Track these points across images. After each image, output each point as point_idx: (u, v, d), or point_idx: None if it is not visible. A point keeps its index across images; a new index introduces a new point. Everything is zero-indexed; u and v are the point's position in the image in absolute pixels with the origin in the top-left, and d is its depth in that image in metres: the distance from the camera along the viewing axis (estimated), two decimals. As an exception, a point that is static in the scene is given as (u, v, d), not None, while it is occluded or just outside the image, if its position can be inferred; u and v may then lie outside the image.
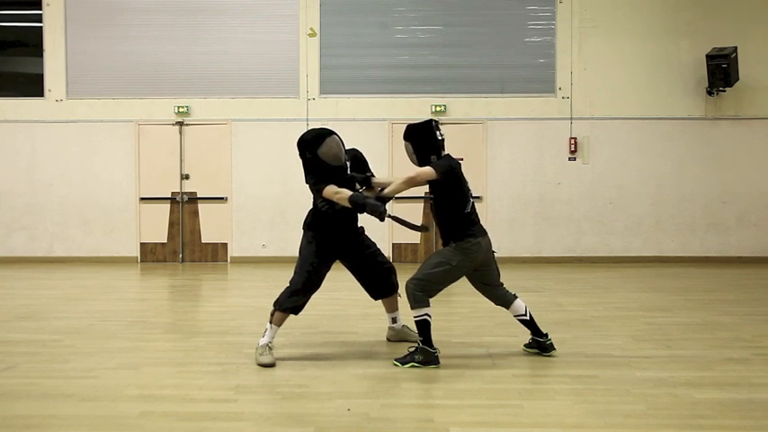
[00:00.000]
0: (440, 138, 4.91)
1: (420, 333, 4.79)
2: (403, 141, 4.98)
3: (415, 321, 4.80)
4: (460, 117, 11.03)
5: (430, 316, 4.80)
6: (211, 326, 6.28)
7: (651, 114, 11.03)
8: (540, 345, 5.07)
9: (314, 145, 4.88)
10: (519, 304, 5.05)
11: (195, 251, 11.29)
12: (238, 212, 11.24)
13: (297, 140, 4.99)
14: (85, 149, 11.27)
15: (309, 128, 5.30)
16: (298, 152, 4.98)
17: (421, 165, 4.91)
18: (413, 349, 4.84)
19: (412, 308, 4.79)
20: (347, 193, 4.76)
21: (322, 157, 4.87)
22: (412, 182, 4.81)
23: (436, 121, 4.98)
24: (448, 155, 4.94)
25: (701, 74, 10.84)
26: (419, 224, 5.13)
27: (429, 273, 4.82)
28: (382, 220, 4.78)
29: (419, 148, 4.90)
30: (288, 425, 3.70)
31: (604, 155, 10.97)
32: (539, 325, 5.09)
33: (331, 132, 4.93)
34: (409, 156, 4.99)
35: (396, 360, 4.83)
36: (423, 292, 4.79)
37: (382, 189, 4.89)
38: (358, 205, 4.72)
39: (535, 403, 4.06)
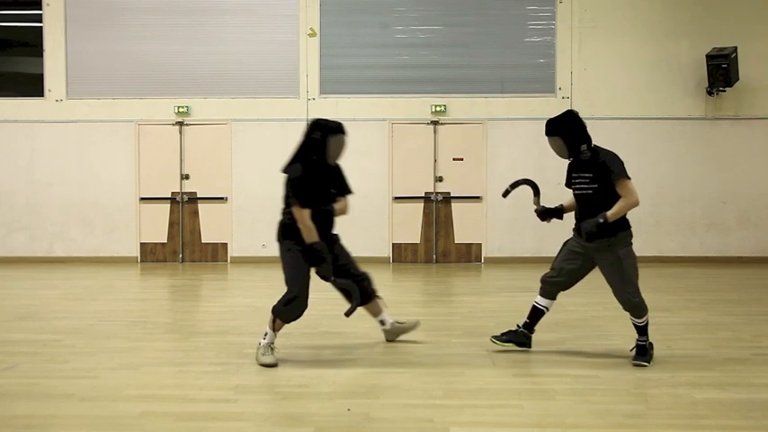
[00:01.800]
0: (585, 124, 4.86)
1: (644, 333, 4.80)
2: (547, 138, 4.86)
3: (642, 327, 4.80)
4: (460, 117, 11.04)
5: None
6: (211, 326, 6.28)
7: (651, 114, 11.03)
8: (521, 338, 5.15)
9: (330, 130, 4.89)
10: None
11: (195, 251, 11.29)
12: (238, 212, 11.23)
13: (313, 120, 4.97)
14: (85, 149, 11.26)
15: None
16: (306, 129, 4.94)
17: (571, 156, 4.84)
18: (640, 348, 4.79)
19: (639, 317, 4.77)
20: (315, 235, 4.75)
21: (329, 144, 4.86)
22: (636, 203, 4.79)
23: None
24: (596, 147, 4.87)
25: (701, 74, 10.83)
26: (355, 304, 5.02)
27: (634, 281, 4.77)
28: (326, 280, 4.82)
29: (571, 139, 4.79)
30: (288, 425, 3.70)
31: (604, 155, 10.95)
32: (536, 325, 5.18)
33: (346, 132, 4.95)
34: (558, 151, 4.87)
35: (640, 362, 4.75)
36: (641, 298, 4.77)
37: (604, 214, 4.74)
38: (313, 256, 4.74)
39: (535, 403, 4.06)
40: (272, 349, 4.87)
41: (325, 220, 4.93)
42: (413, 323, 5.49)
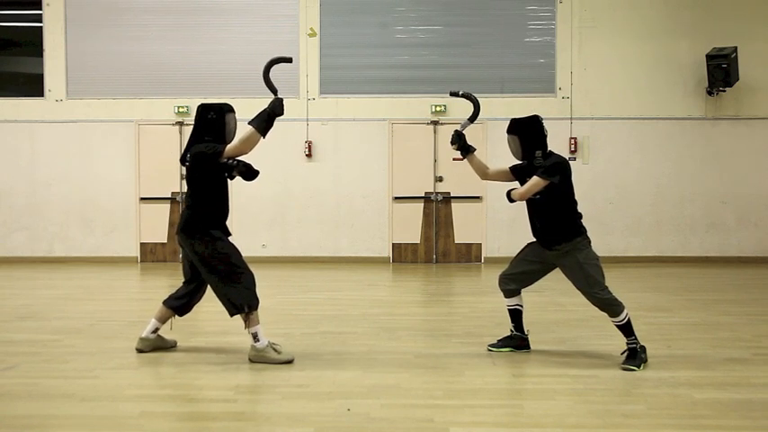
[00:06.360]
0: (545, 133, 4.87)
1: (631, 334, 4.73)
2: (507, 135, 4.89)
3: (623, 326, 4.73)
4: (460, 117, 10.99)
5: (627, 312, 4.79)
6: (211, 326, 6.27)
7: (651, 114, 11.04)
8: (518, 342, 5.16)
9: (224, 109, 4.89)
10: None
11: (195, 251, 11.27)
12: (238, 212, 11.21)
13: (200, 104, 4.93)
14: (85, 149, 11.27)
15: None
16: (198, 114, 4.89)
17: (525, 158, 4.84)
18: (631, 351, 4.70)
19: (617, 314, 4.72)
20: (252, 129, 4.62)
21: (227, 121, 4.86)
22: (520, 197, 4.77)
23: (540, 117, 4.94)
24: (551, 151, 4.86)
25: (701, 74, 10.84)
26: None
27: (600, 280, 4.75)
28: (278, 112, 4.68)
29: (526, 141, 4.81)
30: (288, 425, 3.70)
31: (604, 155, 10.97)
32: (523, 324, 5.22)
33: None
34: (513, 149, 4.89)
35: (629, 366, 4.64)
36: (612, 295, 4.75)
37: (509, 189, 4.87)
38: (275, 109, 4.64)
39: (535, 403, 4.06)
40: (273, 349, 4.86)
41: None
42: (172, 342, 5.38)
